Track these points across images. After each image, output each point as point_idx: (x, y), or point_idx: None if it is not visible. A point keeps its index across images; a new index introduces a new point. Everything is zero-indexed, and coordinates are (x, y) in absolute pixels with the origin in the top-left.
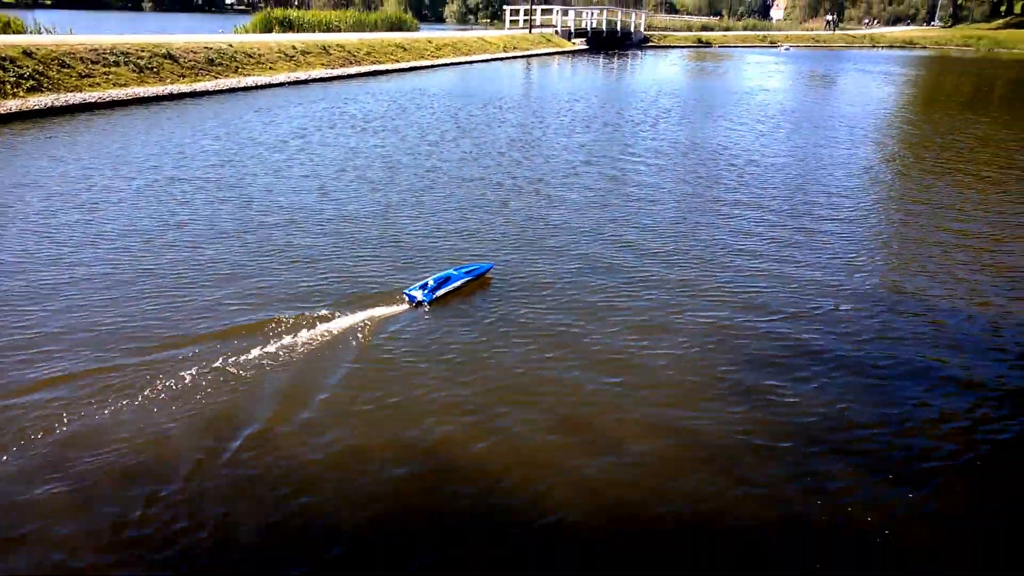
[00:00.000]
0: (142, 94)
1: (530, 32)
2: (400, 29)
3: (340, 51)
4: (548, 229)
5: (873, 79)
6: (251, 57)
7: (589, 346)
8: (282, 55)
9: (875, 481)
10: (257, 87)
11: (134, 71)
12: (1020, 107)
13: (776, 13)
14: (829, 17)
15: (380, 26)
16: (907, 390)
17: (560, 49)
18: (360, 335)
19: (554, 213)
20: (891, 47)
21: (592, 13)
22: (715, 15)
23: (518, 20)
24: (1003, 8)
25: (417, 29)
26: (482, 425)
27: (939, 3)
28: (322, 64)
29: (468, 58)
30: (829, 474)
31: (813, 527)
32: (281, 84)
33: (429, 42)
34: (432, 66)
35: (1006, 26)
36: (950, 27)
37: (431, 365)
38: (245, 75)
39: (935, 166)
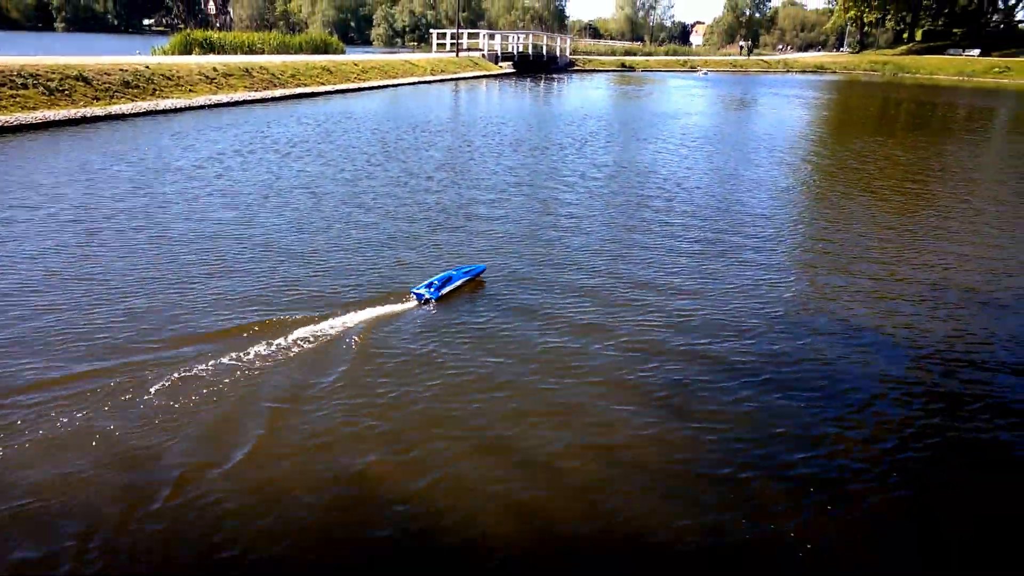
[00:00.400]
0: (52, 117)
1: (457, 55)
2: (325, 52)
3: (263, 74)
4: (477, 254)
5: (788, 102)
6: (169, 79)
7: (511, 375)
8: (202, 77)
9: (795, 494)
10: (176, 110)
11: (44, 94)
12: (922, 129)
13: (696, 39)
14: (743, 43)
15: (305, 48)
16: (827, 406)
17: (487, 72)
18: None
19: (483, 239)
20: (804, 71)
21: (518, 37)
22: (637, 40)
23: (445, 44)
24: (905, 35)
25: (343, 52)
26: (400, 454)
27: (847, 30)
28: (244, 87)
29: (395, 81)
30: (752, 488)
31: (737, 540)
32: (201, 107)
33: (355, 65)
34: (359, 89)
35: (908, 52)
36: (858, 53)
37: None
38: (163, 97)
39: (848, 186)
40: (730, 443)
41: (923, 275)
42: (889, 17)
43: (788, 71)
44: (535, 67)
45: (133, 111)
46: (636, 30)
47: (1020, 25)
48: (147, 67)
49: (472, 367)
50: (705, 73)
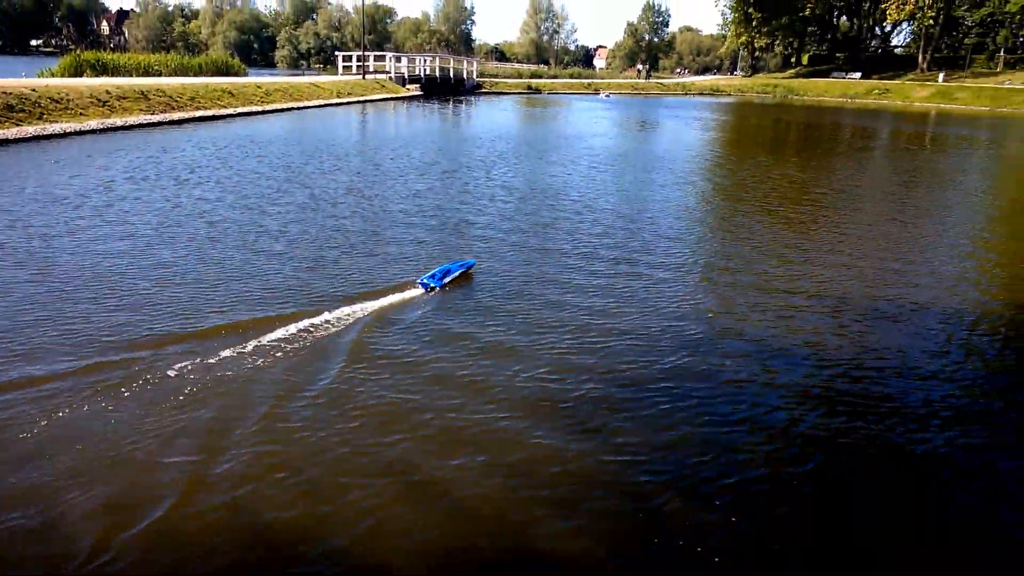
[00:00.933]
0: None
1: (364, 78)
2: (227, 74)
3: (161, 96)
4: (386, 283)
5: (688, 124)
6: (58, 103)
7: (421, 409)
8: (94, 100)
9: (703, 511)
10: (64, 135)
11: None
12: (813, 148)
13: (599, 62)
14: (640, 67)
15: (205, 70)
16: (735, 418)
17: (395, 95)
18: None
19: (392, 265)
20: (701, 94)
21: (425, 60)
22: (543, 63)
23: (351, 66)
24: (793, 59)
25: (246, 74)
26: (315, 505)
27: (740, 55)
28: (141, 110)
29: (300, 104)
30: (665, 508)
31: (649, 558)
32: (93, 131)
33: (258, 87)
34: (263, 112)
35: (796, 75)
36: (750, 76)
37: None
38: (51, 122)
39: (748, 205)
40: (643, 464)
41: (822, 289)
42: (777, 43)
43: (687, 93)
44: (443, 89)
45: (17, 136)
46: (541, 53)
47: (896, 50)
48: (33, 90)
49: (383, 398)
50: (607, 95)
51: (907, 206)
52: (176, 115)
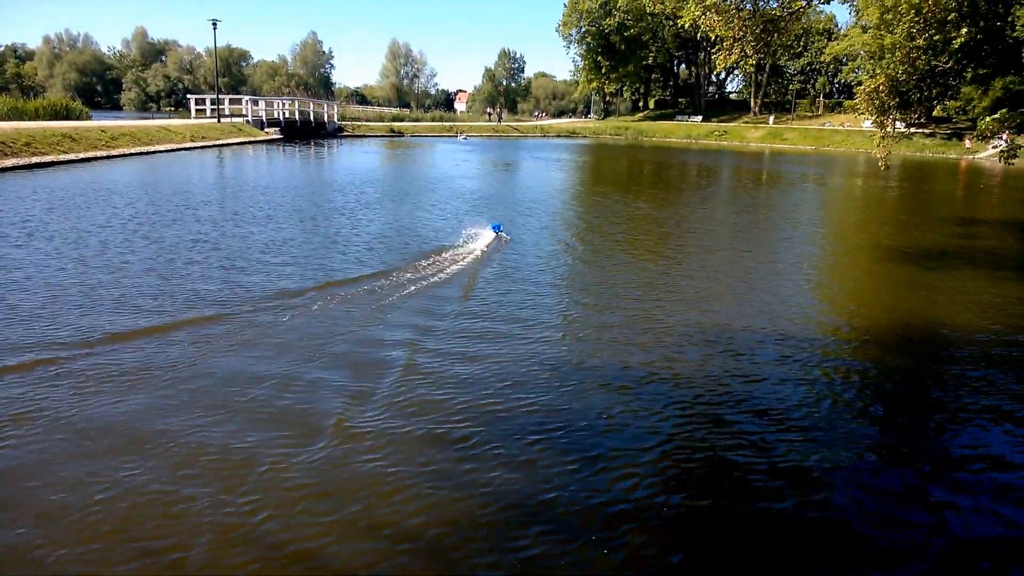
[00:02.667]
0: None
1: (219, 121)
2: (68, 118)
3: None
4: (251, 340)
5: (548, 165)
6: None
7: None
8: None
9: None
10: None
11: None
12: (666, 187)
13: (460, 106)
14: (489, 110)
15: (43, 114)
16: (598, 450)
17: (253, 138)
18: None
19: (262, 318)
20: (559, 136)
21: (284, 103)
22: (405, 107)
23: (205, 109)
24: (640, 104)
25: (88, 117)
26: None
27: (593, 99)
28: None
29: (151, 148)
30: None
31: None
32: None
33: (103, 131)
34: (108, 157)
35: (645, 118)
36: (603, 119)
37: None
38: None
39: (612, 243)
40: (511, 503)
41: (685, 318)
42: (626, 88)
43: (545, 135)
44: (303, 133)
45: None
46: (403, 97)
47: (731, 95)
48: None
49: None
50: (464, 137)
51: (752, 237)
52: (8, 162)
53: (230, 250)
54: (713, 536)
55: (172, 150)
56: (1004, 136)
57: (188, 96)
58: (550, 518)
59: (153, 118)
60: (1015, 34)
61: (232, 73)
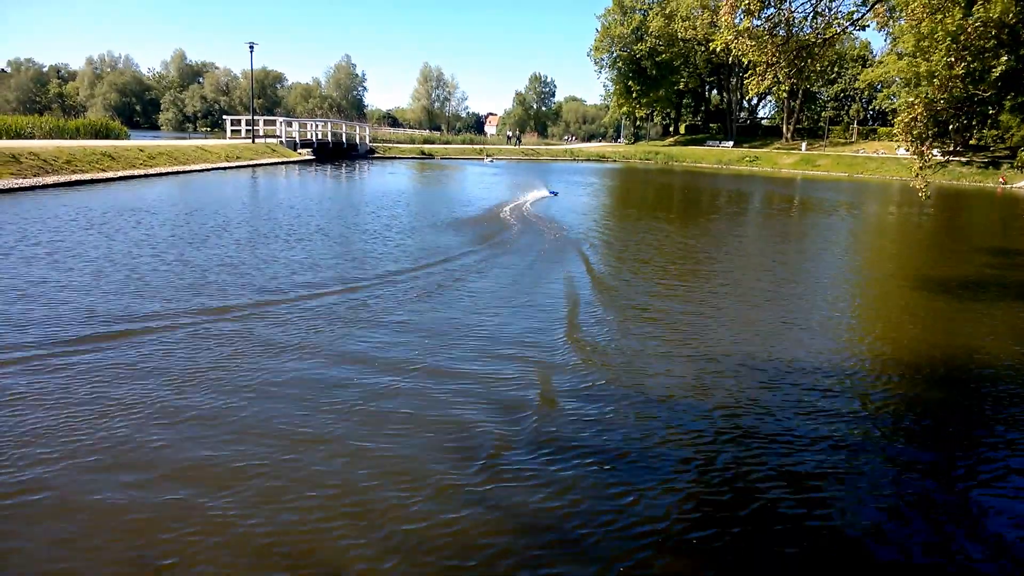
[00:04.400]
0: None
1: (253, 142)
2: (107, 137)
3: (33, 159)
4: (280, 350)
5: (577, 188)
6: None
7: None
8: None
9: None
10: None
11: None
12: (694, 211)
13: (490, 129)
14: (509, 133)
15: (84, 133)
16: (634, 492)
17: (286, 159)
18: None
19: (289, 332)
20: (588, 160)
21: (317, 125)
22: (435, 129)
23: (240, 130)
24: (671, 128)
25: (127, 137)
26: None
27: (623, 123)
28: (11, 173)
29: (187, 167)
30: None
31: None
32: None
33: (141, 150)
34: (145, 176)
35: (675, 143)
36: (633, 143)
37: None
38: None
39: (641, 270)
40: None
41: (721, 348)
42: (656, 113)
43: (575, 159)
44: (335, 154)
45: None
46: (433, 119)
47: (763, 121)
48: None
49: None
50: (491, 160)
51: (789, 264)
52: (50, 179)
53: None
54: (741, 566)
55: (207, 169)
56: None
57: (224, 117)
58: (572, 539)
59: (189, 138)
60: None
61: (267, 95)
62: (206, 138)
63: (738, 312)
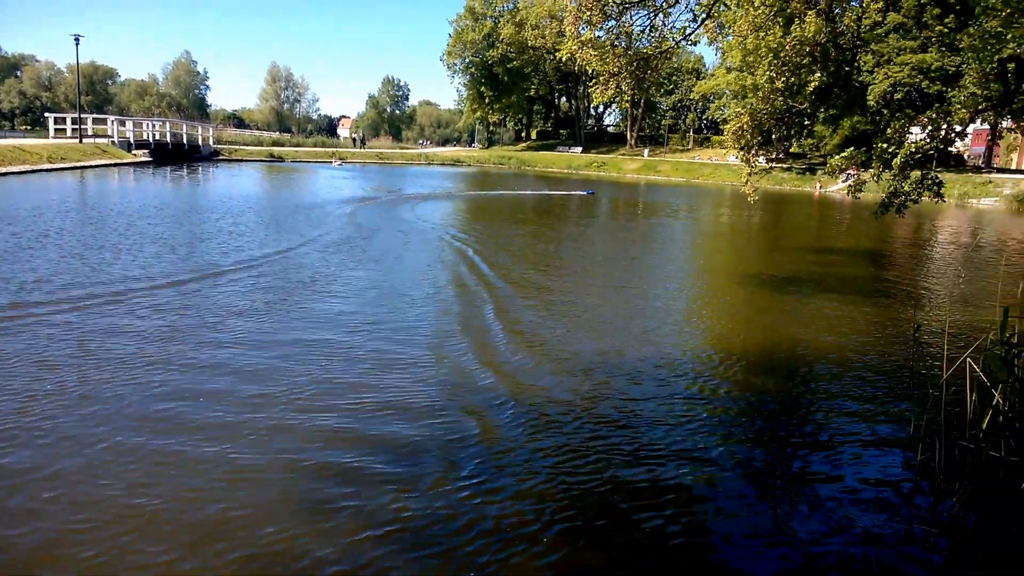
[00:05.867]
0: None
1: (81, 142)
2: None
3: None
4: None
5: (434, 192)
6: None
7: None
8: None
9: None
10: None
11: None
12: (546, 218)
13: (343, 132)
14: (354, 136)
15: None
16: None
17: (119, 160)
18: None
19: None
20: (443, 164)
21: (154, 125)
22: (286, 132)
23: (65, 128)
24: (523, 134)
25: None
26: None
27: (476, 128)
28: None
29: (2, 169)
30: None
31: None
32: None
33: None
34: None
35: (527, 148)
36: (487, 148)
37: None
38: None
39: (491, 272)
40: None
41: (562, 345)
42: (509, 118)
43: (430, 164)
44: (175, 156)
45: None
46: (283, 121)
47: (609, 128)
48: None
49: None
50: (340, 163)
51: (631, 265)
52: None
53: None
54: (573, 560)
55: (26, 172)
56: (852, 171)
57: (47, 114)
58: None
59: (6, 137)
60: (861, 78)
61: (97, 91)
62: (25, 137)
63: (583, 308)
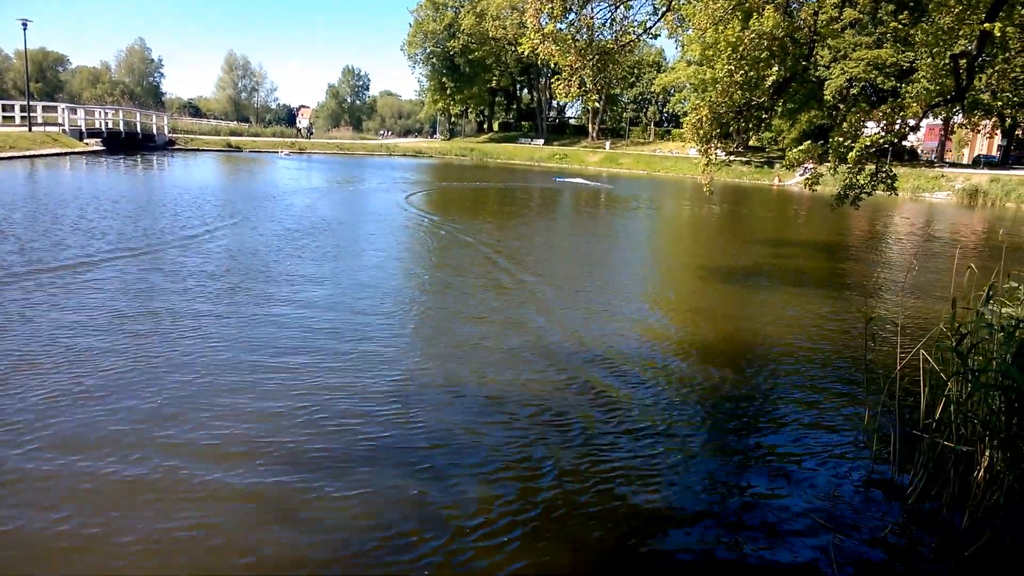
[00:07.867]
0: None
1: (30, 130)
2: None
3: None
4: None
5: (392, 183)
6: None
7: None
8: None
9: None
10: None
11: None
12: (515, 207)
13: (303, 122)
14: (301, 126)
15: None
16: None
17: (70, 149)
18: None
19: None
20: (404, 155)
21: (107, 113)
22: (244, 121)
23: (13, 116)
24: (485, 126)
25: None
26: None
27: (438, 119)
28: None
29: None
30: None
31: None
32: None
33: None
34: None
35: (489, 140)
36: (449, 140)
37: None
38: None
39: (448, 266)
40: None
41: (521, 339)
42: (471, 110)
43: (391, 154)
44: (129, 145)
45: None
46: (241, 110)
47: (571, 120)
48: None
49: None
50: (285, 154)
51: (596, 258)
52: None
53: None
54: (531, 553)
55: None
56: (809, 165)
57: None
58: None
59: None
60: (818, 73)
61: (47, 78)
62: None
63: (550, 300)
